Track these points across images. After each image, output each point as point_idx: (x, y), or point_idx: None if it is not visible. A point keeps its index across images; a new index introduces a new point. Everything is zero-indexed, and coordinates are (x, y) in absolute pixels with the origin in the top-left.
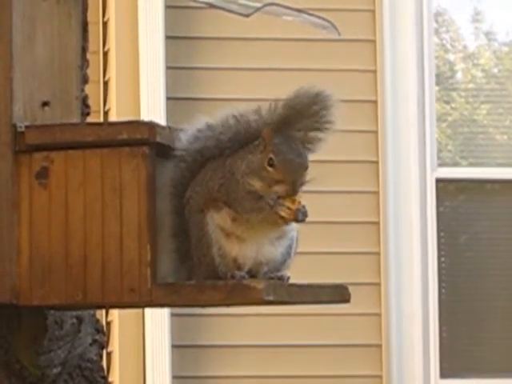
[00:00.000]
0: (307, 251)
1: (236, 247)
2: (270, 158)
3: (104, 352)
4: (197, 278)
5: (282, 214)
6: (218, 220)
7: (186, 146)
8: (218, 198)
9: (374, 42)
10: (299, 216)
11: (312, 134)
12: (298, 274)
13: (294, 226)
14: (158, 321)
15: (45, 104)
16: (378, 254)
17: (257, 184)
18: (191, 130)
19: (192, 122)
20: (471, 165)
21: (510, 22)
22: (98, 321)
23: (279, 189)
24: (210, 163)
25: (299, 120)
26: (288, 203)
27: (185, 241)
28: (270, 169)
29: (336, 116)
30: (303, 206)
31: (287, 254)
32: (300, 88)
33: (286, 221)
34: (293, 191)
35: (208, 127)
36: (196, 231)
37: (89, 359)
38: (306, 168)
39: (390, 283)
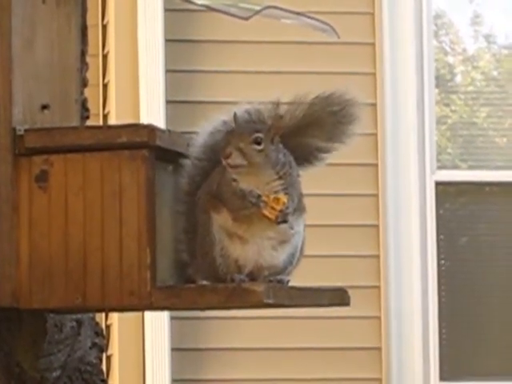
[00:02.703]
0: (307, 254)
1: (238, 248)
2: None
3: (104, 355)
4: (199, 276)
5: (266, 213)
6: (220, 220)
7: (202, 143)
8: (217, 198)
9: (373, 44)
10: (278, 218)
11: (327, 143)
12: (297, 276)
13: (300, 234)
14: (157, 324)
15: (44, 107)
16: (378, 256)
17: (236, 177)
18: (207, 127)
19: (210, 120)
20: (471, 168)
21: (509, 25)
22: (97, 324)
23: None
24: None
25: (316, 126)
26: (273, 203)
27: (195, 238)
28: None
29: (355, 130)
30: (287, 208)
31: (289, 262)
32: (332, 92)
33: (270, 220)
34: (224, 153)
35: (223, 124)
36: (201, 230)
37: (88, 362)
38: (249, 136)
39: (390, 286)
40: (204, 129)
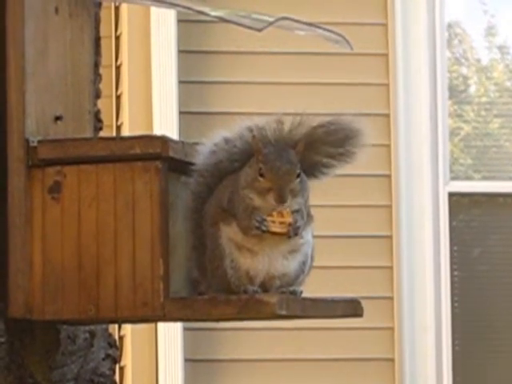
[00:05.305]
0: (320, 265)
1: (248, 260)
2: (260, 168)
3: (117, 366)
4: (211, 291)
5: (276, 230)
6: (229, 233)
7: (204, 161)
8: (228, 212)
9: (386, 55)
10: (290, 232)
11: (330, 160)
12: (310, 287)
13: (309, 242)
14: (170, 335)
15: (57, 118)
16: (391, 267)
17: (253, 196)
18: (209, 144)
19: (210, 135)
20: (484, 178)
21: None
22: (110, 335)
23: (270, 197)
24: (226, 177)
25: (322, 146)
26: (279, 218)
27: (204, 254)
28: (260, 178)
29: (361, 154)
30: (295, 221)
31: (300, 270)
32: (337, 118)
33: (281, 236)
34: (281, 198)
35: (225, 141)
36: (210, 244)
37: (102, 374)
38: (294, 174)
39: (403, 297)
40: (205, 146)
